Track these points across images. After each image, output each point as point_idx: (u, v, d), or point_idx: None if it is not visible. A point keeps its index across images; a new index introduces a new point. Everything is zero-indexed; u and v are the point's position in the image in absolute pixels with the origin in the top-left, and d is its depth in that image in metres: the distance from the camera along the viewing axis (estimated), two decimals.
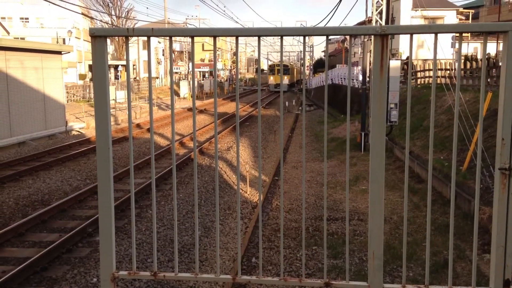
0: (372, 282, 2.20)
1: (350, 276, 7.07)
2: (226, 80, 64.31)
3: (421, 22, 35.58)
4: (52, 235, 8.67)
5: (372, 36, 2.09)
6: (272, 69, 63.44)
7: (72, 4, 30.59)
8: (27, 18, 59.36)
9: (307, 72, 65.38)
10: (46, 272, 7.16)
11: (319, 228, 9.36)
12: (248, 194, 12.24)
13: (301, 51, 78.56)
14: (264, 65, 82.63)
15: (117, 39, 57.78)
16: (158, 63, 67.02)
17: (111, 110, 2.32)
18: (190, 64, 57.31)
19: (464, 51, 37.35)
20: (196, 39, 2.34)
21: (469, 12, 43.22)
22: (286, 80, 59.21)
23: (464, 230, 8.43)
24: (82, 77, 52.84)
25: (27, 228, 8.87)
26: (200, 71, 75.50)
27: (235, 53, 2.21)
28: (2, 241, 8.19)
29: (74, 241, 8.27)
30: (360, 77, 21.75)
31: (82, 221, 9.34)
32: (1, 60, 18.42)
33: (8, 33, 48.90)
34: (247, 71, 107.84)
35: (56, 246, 7.79)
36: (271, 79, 61.26)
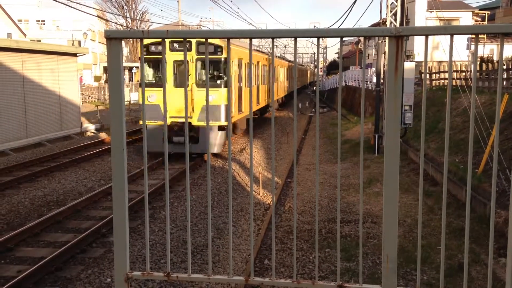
0: (385, 285, 2.19)
1: (364, 279, 7.03)
2: None
3: (436, 23, 35.28)
4: (67, 235, 8.76)
5: (387, 38, 2.08)
6: (155, 60, 15.34)
7: (87, 6, 30.98)
8: (43, 21, 60.19)
9: (320, 73, 64.48)
10: (60, 272, 7.23)
11: (332, 231, 9.32)
12: (261, 196, 12.23)
13: (314, 53, 77.83)
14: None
15: (131, 41, 58.23)
16: None
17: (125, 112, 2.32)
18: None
19: (480, 52, 36.96)
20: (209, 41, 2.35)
21: (485, 13, 42.75)
22: (215, 97, 14.76)
23: (479, 234, 8.33)
24: (97, 79, 53.34)
25: (42, 228, 8.98)
26: None
27: (249, 55, 2.21)
28: (18, 241, 8.30)
29: (88, 242, 8.34)
30: (374, 79, 21.64)
31: (96, 221, 9.42)
32: (18, 62, 18.67)
33: (25, 35, 49.59)
34: None
35: (71, 246, 7.87)
36: (152, 98, 14.82)
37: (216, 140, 15.04)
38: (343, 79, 39.04)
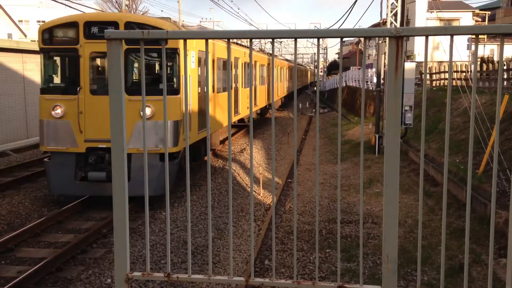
0: (386, 286, 2.18)
1: (364, 280, 7.03)
2: None
3: (437, 24, 35.27)
4: (67, 236, 8.77)
5: (387, 38, 2.08)
6: (63, 52, 10.51)
7: (87, 7, 30.98)
8: (44, 21, 60.20)
9: (320, 74, 64.45)
10: (61, 272, 7.24)
11: (332, 231, 9.32)
12: (261, 196, 12.23)
13: (315, 53, 77.78)
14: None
15: None
16: None
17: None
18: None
19: (480, 53, 36.96)
20: (210, 41, 2.35)
21: (485, 13, 42.75)
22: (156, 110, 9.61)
23: (479, 234, 8.33)
24: None
25: (43, 229, 8.98)
26: None
27: (249, 55, 2.21)
28: (19, 241, 8.30)
29: (89, 242, 8.35)
30: (374, 79, 21.65)
31: (97, 222, 9.42)
32: (18, 62, 18.68)
33: (25, 35, 49.61)
34: None
35: (71, 246, 7.88)
36: (59, 112, 10.41)
37: (158, 177, 9.60)
38: (344, 80, 39.04)
